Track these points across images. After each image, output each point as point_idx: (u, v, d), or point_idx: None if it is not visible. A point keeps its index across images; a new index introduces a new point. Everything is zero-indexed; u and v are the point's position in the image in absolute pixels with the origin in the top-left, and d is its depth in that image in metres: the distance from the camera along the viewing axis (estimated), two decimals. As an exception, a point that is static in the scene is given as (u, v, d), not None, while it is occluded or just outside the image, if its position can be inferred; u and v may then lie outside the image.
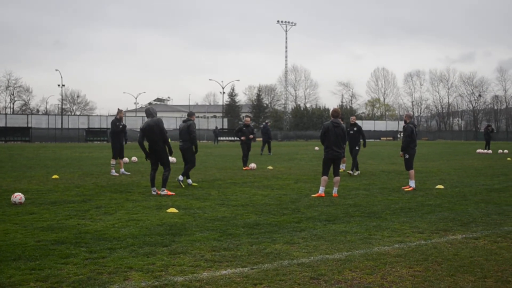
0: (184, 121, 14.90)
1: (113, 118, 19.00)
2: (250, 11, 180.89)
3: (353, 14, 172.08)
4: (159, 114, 13.14)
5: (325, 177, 12.41)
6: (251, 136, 21.10)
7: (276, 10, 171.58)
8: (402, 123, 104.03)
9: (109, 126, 20.98)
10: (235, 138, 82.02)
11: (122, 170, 18.13)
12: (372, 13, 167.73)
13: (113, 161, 18.03)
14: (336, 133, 12.27)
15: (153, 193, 12.58)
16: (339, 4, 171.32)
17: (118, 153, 18.05)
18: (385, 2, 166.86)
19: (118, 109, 18.66)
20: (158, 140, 12.58)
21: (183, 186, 14.12)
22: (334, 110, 12.69)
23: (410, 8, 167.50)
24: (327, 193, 12.47)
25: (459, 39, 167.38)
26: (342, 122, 12.59)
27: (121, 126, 18.16)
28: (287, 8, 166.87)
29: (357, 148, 18.28)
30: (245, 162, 20.53)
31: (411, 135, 14.03)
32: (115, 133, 18.15)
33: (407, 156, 14.10)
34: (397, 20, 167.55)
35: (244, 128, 20.96)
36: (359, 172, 18.40)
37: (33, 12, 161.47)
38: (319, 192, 12.39)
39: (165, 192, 12.50)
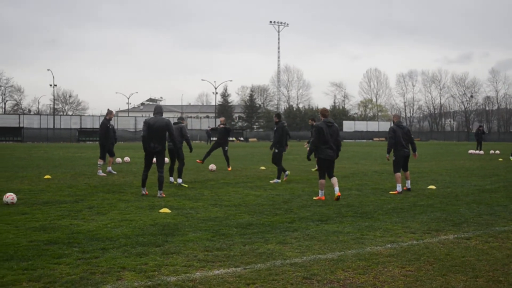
0: (174, 123, 15.14)
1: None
2: (243, 12, 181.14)
3: (348, 14, 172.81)
4: (151, 115, 13.05)
5: (322, 181, 11.96)
6: (226, 148, 20.83)
7: (270, 10, 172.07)
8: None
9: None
10: (228, 139, 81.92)
11: (109, 168, 18.14)
12: (368, 13, 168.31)
13: (100, 162, 18.01)
14: (329, 133, 11.80)
15: (143, 192, 12.50)
16: (332, 5, 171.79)
17: (106, 154, 18.10)
18: (382, 2, 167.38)
19: (108, 109, 18.69)
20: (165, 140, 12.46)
21: (186, 186, 14.57)
22: (325, 110, 12.09)
23: (408, 8, 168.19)
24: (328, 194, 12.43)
25: (456, 40, 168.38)
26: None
27: (110, 127, 18.18)
28: (281, 8, 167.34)
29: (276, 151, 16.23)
30: (205, 158, 20.46)
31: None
32: (107, 134, 18.12)
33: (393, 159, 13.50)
34: (394, 21, 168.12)
35: (218, 128, 20.84)
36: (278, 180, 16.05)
37: (25, 11, 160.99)
38: (319, 195, 11.95)
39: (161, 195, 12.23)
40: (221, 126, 20.68)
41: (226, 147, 20.59)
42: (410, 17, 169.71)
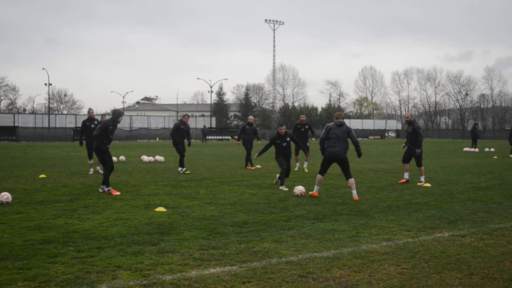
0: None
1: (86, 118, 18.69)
2: (239, 10, 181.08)
3: (347, 12, 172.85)
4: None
5: (319, 176, 12.22)
6: (259, 141, 20.87)
7: (265, 8, 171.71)
8: (390, 122, 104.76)
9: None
10: (224, 137, 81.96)
11: (98, 168, 18.08)
12: (369, 11, 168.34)
13: (90, 161, 18.00)
14: (337, 132, 11.83)
15: (100, 190, 12.79)
16: (328, 3, 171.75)
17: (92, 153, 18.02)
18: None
19: (89, 108, 18.69)
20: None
21: (187, 172, 17.97)
22: (338, 114, 12.29)
23: (412, 6, 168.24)
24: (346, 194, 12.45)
25: (459, 38, 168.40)
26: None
27: (92, 126, 17.98)
28: (277, 6, 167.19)
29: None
30: (247, 162, 20.35)
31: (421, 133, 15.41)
32: (89, 133, 17.86)
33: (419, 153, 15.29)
34: (396, 18, 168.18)
35: (247, 127, 20.61)
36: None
37: (20, 9, 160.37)
38: (313, 191, 12.27)
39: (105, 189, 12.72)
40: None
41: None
42: (413, 15, 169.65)
